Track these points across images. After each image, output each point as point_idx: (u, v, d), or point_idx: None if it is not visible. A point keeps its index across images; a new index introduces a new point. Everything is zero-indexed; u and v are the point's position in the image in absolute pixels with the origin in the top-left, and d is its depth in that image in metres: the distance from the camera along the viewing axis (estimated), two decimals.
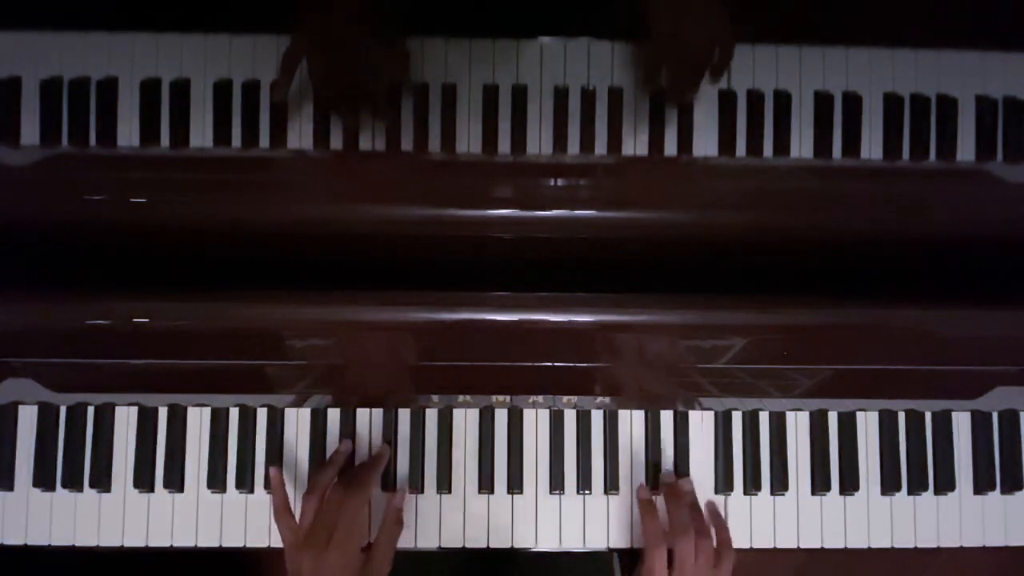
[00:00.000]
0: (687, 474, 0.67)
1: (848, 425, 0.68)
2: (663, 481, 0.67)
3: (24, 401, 0.66)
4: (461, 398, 0.66)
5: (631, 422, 0.68)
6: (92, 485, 0.66)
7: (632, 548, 0.67)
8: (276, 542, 0.65)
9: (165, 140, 0.67)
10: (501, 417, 0.67)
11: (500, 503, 0.67)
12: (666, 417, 0.68)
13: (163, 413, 0.66)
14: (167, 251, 0.59)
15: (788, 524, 0.67)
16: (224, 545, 0.66)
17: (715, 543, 0.63)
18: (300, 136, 0.68)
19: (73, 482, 0.66)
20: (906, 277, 0.59)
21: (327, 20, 0.60)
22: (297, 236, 0.58)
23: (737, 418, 0.68)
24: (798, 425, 0.68)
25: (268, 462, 0.66)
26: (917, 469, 0.68)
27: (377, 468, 0.64)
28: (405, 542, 0.66)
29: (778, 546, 0.67)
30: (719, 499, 0.67)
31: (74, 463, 0.66)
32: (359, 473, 0.62)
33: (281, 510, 0.62)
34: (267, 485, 0.66)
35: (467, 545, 0.66)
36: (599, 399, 0.67)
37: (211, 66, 0.67)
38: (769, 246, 0.58)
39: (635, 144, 0.69)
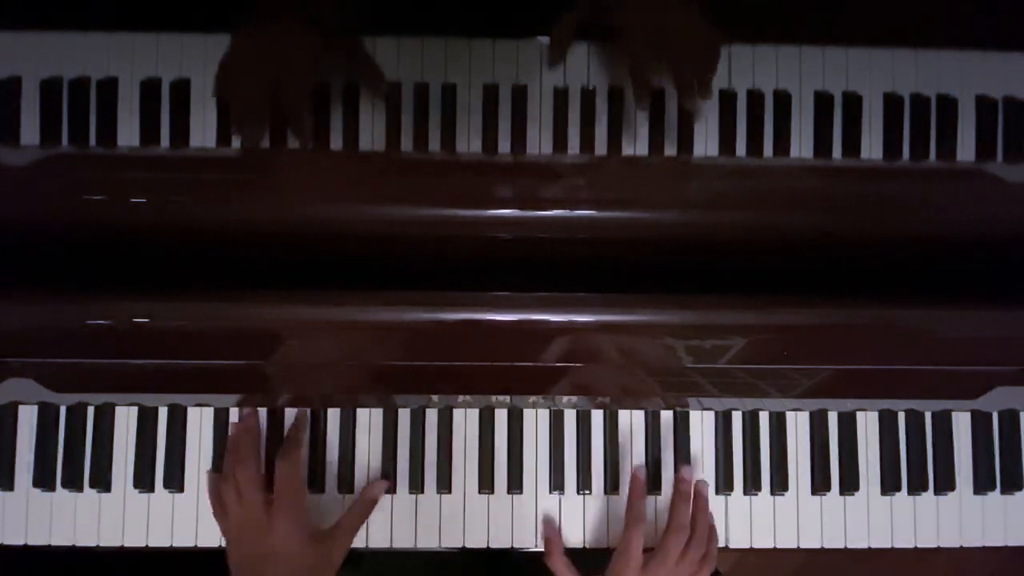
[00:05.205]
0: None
1: (848, 425, 0.68)
2: (681, 476, 0.65)
3: (24, 401, 0.66)
4: (461, 398, 0.66)
5: (631, 422, 0.68)
6: (92, 485, 0.66)
7: None
8: None
9: (165, 140, 0.67)
10: (501, 417, 0.67)
11: (500, 503, 0.67)
12: (666, 417, 0.68)
13: (163, 413, 0.66)
14: (167, 251, 0.59)
15: (788, 524, 0.67)
16: (224, 545, 0.66)
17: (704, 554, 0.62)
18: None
19: (73, 482, 0.66)
20: (906, 277, 0.59)
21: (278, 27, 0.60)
22: (296, 236, 0.58)
23: (737, 418, 0.68)
24: (798, 425, 0.68)
25: (268, 462, 0.66)
26: (917, 469, 0.68)
27: (301, 430, 0.65)
28: (406, 542, 0.66)
29: (778, 546, 0.67)
30: (719, 499, 0.67)
31: (74, 463, 0.66)
32: (285, 442, 0.64)
33: (217, 507, 0.63)
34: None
35: (467, 545, 0.66)
36: (599, 399, 0.67)
37: (210, 66, 0.67)
38: (769, 246, 0.58)
39: (635, 144, 0.69)
